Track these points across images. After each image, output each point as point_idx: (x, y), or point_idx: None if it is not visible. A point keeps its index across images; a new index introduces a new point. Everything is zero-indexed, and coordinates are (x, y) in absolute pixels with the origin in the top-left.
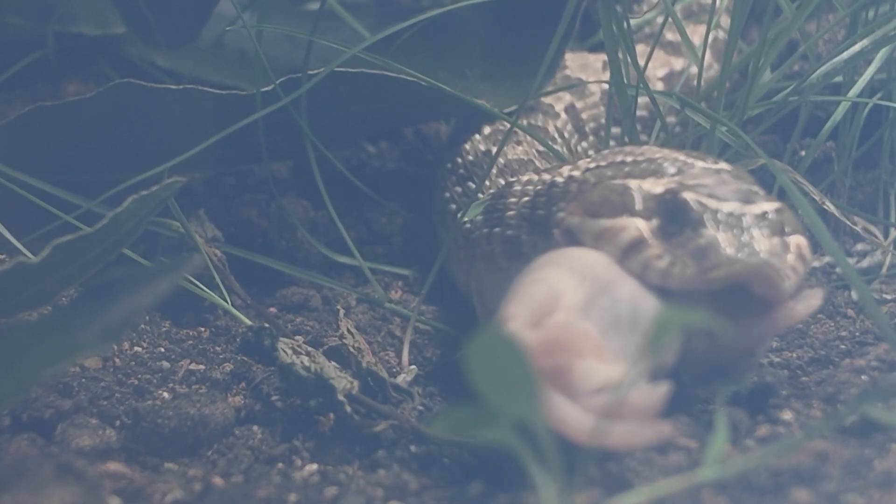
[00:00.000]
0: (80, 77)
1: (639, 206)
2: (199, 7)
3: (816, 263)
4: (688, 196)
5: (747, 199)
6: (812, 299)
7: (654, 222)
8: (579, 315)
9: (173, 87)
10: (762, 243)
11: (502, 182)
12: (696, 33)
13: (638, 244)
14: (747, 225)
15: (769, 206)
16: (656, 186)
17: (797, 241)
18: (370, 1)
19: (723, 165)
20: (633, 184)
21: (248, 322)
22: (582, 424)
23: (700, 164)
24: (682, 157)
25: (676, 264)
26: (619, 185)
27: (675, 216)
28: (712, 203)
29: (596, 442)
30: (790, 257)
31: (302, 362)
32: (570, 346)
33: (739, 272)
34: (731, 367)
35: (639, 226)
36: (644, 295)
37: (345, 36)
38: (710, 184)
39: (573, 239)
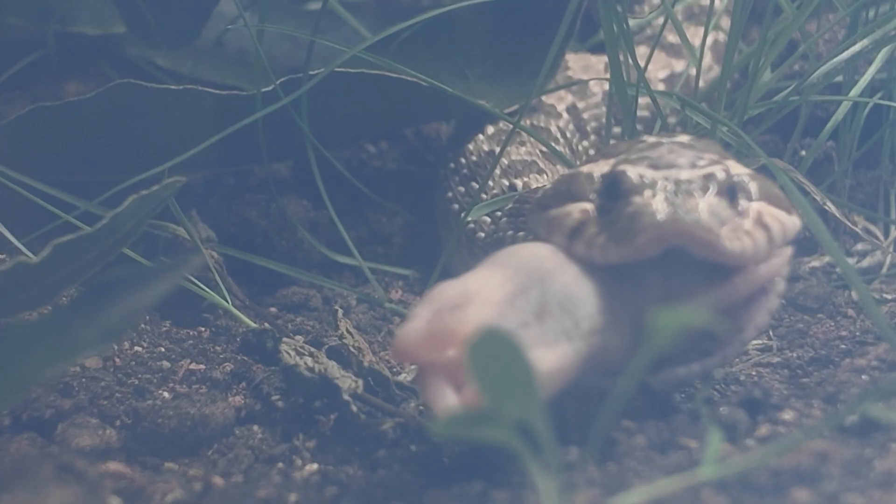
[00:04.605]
0: (80, 77)
1: (586, 190)
2: (199, 7)
3: (816, 263)
4: (625, 168)
5: (692, 165)
6: (777, 258)
7: (598, 202)
8: (495, 309)
9: (173, 87)
10: (693, 204)
11: (506, 183)
12: (698, 35)
13: (580, 226)
14: (683, 189)
15: (717, 169)
16: (604, 167)
17: (758, 207)
18: (370, 1)
19: (680, 138)
20: (584, 169)
21: (251, 324)
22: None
23: (652, 139)
24: (649, 137)
25: (611, 238)
26: (570, 173)
27: (612, 191)
28: (649, 173)
29: None
30: (746, 222)
31: (305, 363)
32: (456, 337)
33: (662, 234)
34: (715, 344)
35: (582, 208)
36: (580, 281)
37: (345, 36)
38: (654, 155)
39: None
